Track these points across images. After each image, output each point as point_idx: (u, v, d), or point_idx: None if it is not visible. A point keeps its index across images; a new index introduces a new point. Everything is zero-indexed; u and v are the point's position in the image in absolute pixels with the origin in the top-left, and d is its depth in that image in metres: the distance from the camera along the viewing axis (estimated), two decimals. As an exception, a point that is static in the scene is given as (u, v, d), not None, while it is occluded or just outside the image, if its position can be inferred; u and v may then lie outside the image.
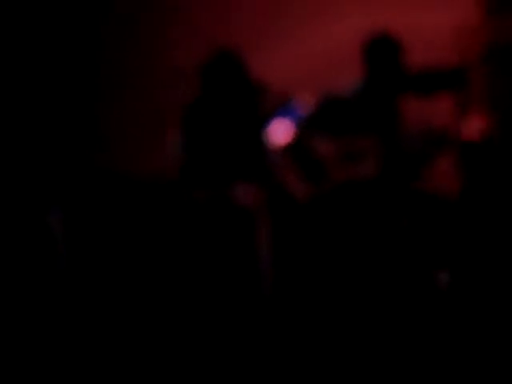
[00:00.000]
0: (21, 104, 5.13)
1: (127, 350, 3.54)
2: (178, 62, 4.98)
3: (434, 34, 5.05)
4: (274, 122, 4.21)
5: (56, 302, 3.96)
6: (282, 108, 4.35)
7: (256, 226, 3.93)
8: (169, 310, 3.87)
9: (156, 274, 4.06)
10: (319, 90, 4.24)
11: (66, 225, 4.19)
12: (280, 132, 4.07)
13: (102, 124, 5.39)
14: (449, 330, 3.55)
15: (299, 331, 3.61)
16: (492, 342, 3.38)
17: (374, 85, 4.08)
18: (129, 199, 4.39)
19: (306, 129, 4.04)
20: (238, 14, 5.38)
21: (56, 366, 3.46)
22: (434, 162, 4.21)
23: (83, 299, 3.97)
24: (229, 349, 3.52)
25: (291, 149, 4.00)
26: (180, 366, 3.41)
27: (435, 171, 4.24)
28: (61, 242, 4.17)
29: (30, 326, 3.78)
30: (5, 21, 5.16)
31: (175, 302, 3.92)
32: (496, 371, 3.15)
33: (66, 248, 4.17)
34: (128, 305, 3.90)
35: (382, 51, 4.03)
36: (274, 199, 3.95)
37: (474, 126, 3.80)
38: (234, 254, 3.96)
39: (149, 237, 4.18)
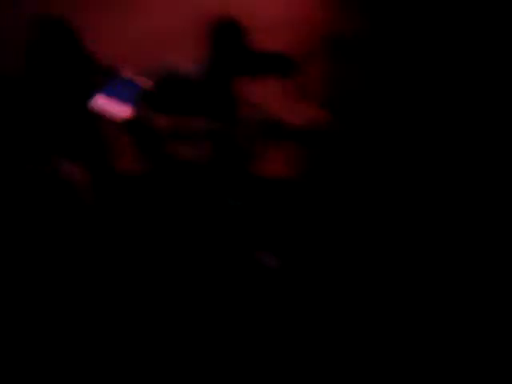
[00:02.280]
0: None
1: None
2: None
3: (270, 23, 5.12)
4: (106, 95, 4.11)
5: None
6: (113, 82, 4.25)
7: (80, 202, 3.82)
8: None
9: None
10: (154, 64, 4.16)
11: None
12: (116, 106, 3.96)
13: None
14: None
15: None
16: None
17: (217, 67, 4.06)
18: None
19: (143, 104, 3.95)
20: None
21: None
22: (267, 147, 4.24)
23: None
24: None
25: (128, 123, 3.90)
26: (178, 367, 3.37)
27: (268, 156, 4.28)
28: None
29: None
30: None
31: None
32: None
33: None
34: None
35: (225, 34, 4.03)
36: (102, 174, 3.85)
37: (306, 114, 3.86)
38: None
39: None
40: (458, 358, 3.38)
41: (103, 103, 4.00)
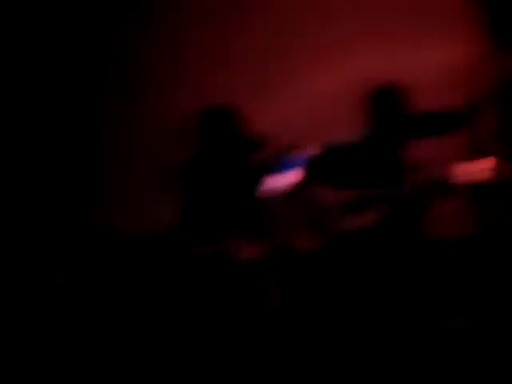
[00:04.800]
0: (20, 160, 5.06)
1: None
2: (177, 124, 4.92)
3: (436, 74, 4.97)
4: (276, 173, 4.11)
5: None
6: (283, 159, 4.26)
7: (260, 280, 3.76)
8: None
9: (159, 332, 3.95)
10: (320, 140, 4.10)
11: (70, 288, 4.15)
12: (282, 181, 3.94)
13: (104, 182, 5.32)
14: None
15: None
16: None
17: (379, 133, 3.94)
18: (129, 258, 4.33)
19: (308, 177, 3.88)
20: (235, 70, 5.34)
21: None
22: (437, 207, 4.07)
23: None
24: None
25: (293, 197, 3.85)
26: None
27: (439, 215, 4.11)
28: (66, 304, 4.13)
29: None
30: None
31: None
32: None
33: (71, 311, 4.13)
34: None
35: (388, 100, 3.93)
36: (277, 252, 3.78)
37: (485, 167, 3.63)
38: (240, 311, 3.81)
39: (152, 295, 4.10)
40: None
41: (272, 182, 3.99)
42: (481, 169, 3.62)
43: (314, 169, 3.93)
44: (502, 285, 4.22)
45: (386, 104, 3.92)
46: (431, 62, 5.05)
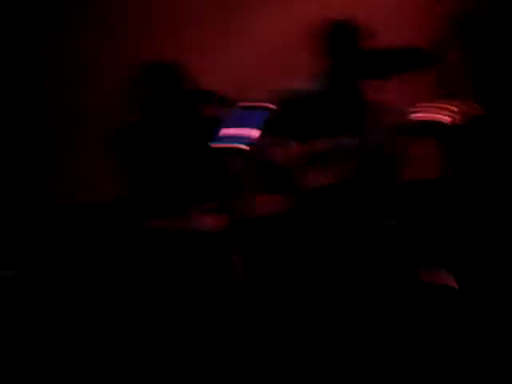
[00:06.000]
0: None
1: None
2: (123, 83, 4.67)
3: (392, 9, 4.73)
4: (230, 129, 3.83)
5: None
6: (236, 113, 3.98)
7: (222, 252, 3.48)
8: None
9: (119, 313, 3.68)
10: (273, 90, 3.78)
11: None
12: (239, 139, 3.64)
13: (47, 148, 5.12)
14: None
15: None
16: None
17: (337, 76, 3.63)
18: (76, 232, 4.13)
19: (267, 134, 3.57)
20: (180, 25, 5.17)
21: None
22: (405, 150, 3.86)
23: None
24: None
25: (252, 157, 3.54)
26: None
27: (412, 158, 3.92)
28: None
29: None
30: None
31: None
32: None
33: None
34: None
35: (344, 37, 3.59)
36: (238, 219, 3.50)
37: (452, 108, 3.38)
38: (203, 286, 3.55)
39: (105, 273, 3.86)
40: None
41: (227, 136, 3.70)
42: (448, 110, 3.36)
43: (273, 125, 3.61)
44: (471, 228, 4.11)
45: (343, 41, 3.60)
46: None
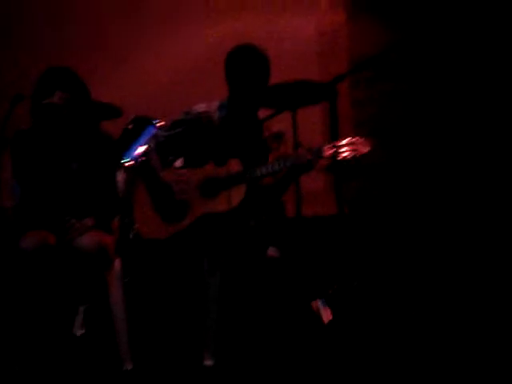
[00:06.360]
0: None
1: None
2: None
3: (296, 41, 4.77)
4: (129, 145, 3.76)
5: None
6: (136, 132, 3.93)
7: (105, 273, 3.38)
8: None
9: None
10: (176, 109, 3.73)
11: None
12: (130, 155, 3.57)
13: None
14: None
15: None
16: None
17: (237, 104, 3.60)
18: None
19: (155, 153, 3.50)
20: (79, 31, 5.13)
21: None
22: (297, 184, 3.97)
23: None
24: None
25: (139, 175, 3.44)
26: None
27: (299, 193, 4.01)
28: None
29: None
30: None
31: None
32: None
33: None
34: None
35: (245, 64, 3.55)
36: (123, 238, 3.40)
37: (342, 143, 3.39)
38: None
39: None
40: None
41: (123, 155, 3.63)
42: (343, 147, 3.36)
43: (163, 144, 3.54)
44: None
45: (242, 67, 3.56)
46: (291, 31, 4.85)
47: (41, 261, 3.28)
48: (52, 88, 3.48)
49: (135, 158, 3.30)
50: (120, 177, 3.50)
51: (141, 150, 3.26)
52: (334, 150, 3.33)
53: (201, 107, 3.63)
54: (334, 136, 3.78)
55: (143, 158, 3.30)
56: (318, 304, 3.64)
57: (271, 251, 3.45)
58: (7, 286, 3.36)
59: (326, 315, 3.64)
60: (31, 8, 5.30)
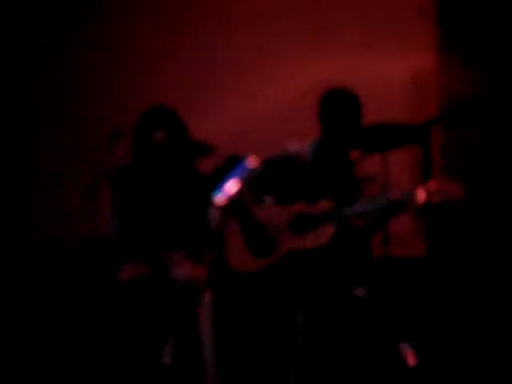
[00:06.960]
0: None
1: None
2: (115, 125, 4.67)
3: (390, 85, 4.80)
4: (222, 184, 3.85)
5: None
6: (228, 170, 4.01)
7: (198, 303, 3.47)
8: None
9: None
10: (270, 150, 3.83)
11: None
12: (221, 193, 3.66)
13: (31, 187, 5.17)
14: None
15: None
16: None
17: (330, 144, 3.68)
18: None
19: (248, 191, 3.59)
20: (178, 73, 5.23)
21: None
22: (389, 226, 3.99)
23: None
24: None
25: (232, 212, 3.55)
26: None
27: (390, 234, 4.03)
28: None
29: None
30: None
31: None
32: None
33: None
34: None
35: (339, 107, 3.63)
36: (215, 272, 3.49)
37: (434, 187, 3.40)
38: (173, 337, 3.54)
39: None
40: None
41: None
42: (436, 191, 3.38)
43: (255, 182, 3.64)
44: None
45: (336, 110, 3.64)
46: (386, 74, 4.89)
47: (136, 292, 3.42)
48: (155, 127, 3.64)
49: (228, 195, 3.40)
50: (211, 212, 3.61)
51: (233, 186, 3.35)
52: (427, 192, 3.36)
53: (293, 146, 3.73)
54: (426, 179, 3.79)
55: (237, 195, 3.40)
56: (404, 347, 3.63)
57: (358, 291, 3.48)
58: (102, 314, 3.50)
59: (412, 358, 3.63)
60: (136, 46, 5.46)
